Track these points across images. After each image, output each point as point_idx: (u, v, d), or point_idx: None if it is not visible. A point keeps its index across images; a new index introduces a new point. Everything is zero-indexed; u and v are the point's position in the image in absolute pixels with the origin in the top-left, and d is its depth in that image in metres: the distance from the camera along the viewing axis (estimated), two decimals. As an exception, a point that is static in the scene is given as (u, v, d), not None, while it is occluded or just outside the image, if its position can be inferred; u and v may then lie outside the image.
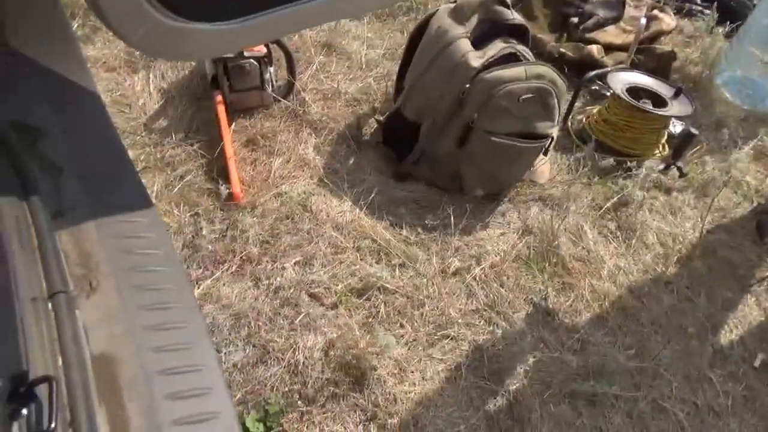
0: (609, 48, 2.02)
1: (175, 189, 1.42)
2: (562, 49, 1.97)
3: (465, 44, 1.40)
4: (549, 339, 1.31)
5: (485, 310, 1.34)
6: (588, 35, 2.02)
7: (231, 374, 1.13)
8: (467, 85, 1.37)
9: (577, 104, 1.91)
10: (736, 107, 1.96)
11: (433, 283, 1.34)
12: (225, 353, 1.16)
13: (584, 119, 1.86)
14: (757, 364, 1.36)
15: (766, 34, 1.89)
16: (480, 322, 1.32)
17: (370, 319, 1.25)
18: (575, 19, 2.05)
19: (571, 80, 1.92)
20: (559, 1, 2.11)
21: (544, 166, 1.64)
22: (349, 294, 1.28)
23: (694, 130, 1.75)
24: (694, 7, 2.33)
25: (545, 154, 1.52)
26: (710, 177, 1.74)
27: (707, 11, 2.30)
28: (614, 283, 1.45)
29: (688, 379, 1.30)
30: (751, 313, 1.46)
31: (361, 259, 1.35)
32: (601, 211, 1.59)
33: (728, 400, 1.28)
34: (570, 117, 1.84)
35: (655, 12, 2.11)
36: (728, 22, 2.22)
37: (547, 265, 1.44)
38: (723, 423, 1.24)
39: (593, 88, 1.94)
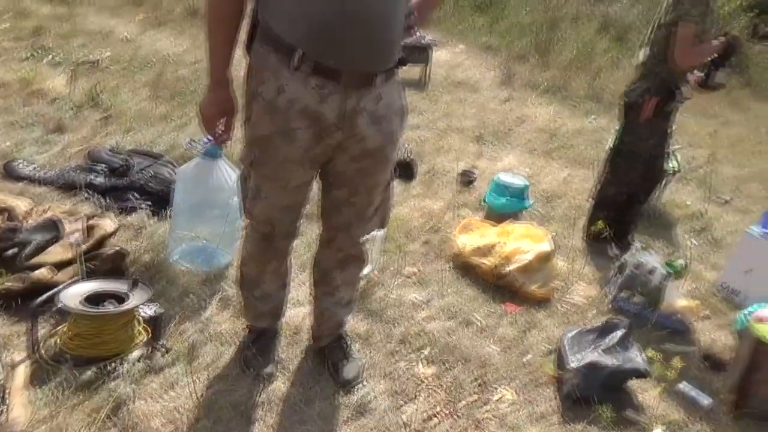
0: (62, 265, 2.06)
1: None
2: (6, 284, 1.91)
3: None
4: None
5: None
6: (32, 262, 2.02)
7: None
8: None
9: (45, 329, 1.87)
10: (196, 273, 2.28)
11: None
12: None
13: (58, 341, 1.82)
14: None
15: (183, 213, 2.31)
16: None
17: None
18: (13, 251, 2.03)
19: (28, 311, 1.87)
20: (-13, 240, 2.05)
21: (18, 411, 1.52)
22: None
23: (159, 310, 1.95)
24: (134, 203, 2.63)
25: (2, 403, 1.40)
26: (194, 340, 1.95)
27: (146, 203, 2.64)
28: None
29: None
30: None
31: None
32: (100, 422, 1.56)
33: None
34: (38, 346, 1.77)
35: (95, 220, 2.29)
36: (167, 207, 2.58)
37: None
38: None
39: (56, 307, 1.92)
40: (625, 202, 3.20)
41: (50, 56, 4.25)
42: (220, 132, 1.66)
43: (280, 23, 1.50)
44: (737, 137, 6.50)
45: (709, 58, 2.88)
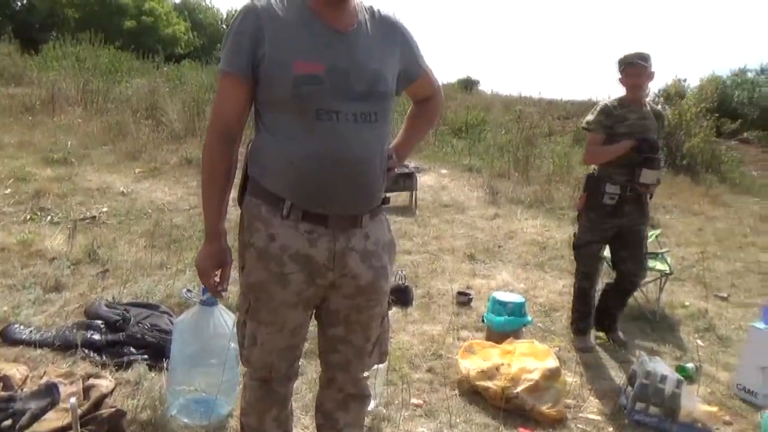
0: (57, 432, 1.99)
1: None
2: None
3: None
4: None
5: None
6: None
7: None
8: None
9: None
10: (194, 427, 2.20)
11: None
12: None
13: None
14: None
15: (181, 365, 2.28)
16: None
17: None
18: (8, 422, 1.97)
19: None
20: (-19, 412, 2.00)
21: None
22: None
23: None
24: (131, 357, 2.60)
25: None
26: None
27: (143, 356, 2.61)
28: None
29: None
30: None
31: None
32: None
33: None
34: None
35: (91, 380, 2.25)
36: (164, 358, 2.55)
37: None
38: None
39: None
40: (596, 293, 3.38)
41: (49, 216, 4.41)
42: (216, 283, 1.70)
43: (269, 177, 1.61)
44: (723, 233, 6.64)
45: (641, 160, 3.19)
